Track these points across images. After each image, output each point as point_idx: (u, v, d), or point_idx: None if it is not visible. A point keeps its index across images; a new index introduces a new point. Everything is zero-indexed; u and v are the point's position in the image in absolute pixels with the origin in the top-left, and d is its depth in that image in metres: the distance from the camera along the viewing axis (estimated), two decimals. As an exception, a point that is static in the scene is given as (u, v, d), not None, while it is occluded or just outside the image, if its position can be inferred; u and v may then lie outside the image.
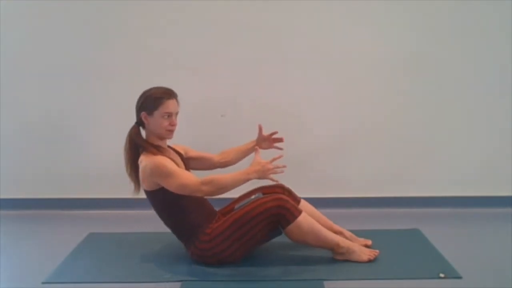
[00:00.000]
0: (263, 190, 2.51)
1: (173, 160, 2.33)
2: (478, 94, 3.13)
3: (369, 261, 2.38)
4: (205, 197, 2.31)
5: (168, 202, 2.35)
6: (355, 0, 3.01)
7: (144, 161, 2.30)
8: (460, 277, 2.24)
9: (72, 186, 3.24)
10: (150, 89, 2.37)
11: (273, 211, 2.26)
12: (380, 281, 2.22)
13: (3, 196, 3.23)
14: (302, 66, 3.09)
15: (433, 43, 3.07)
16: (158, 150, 2.34)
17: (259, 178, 2.24)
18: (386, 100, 3.15)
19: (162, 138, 2.39)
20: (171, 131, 2.37)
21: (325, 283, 2.21)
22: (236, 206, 2.42)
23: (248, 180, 2.24)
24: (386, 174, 3.21)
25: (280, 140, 2.65)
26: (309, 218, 2.32)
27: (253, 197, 2.41)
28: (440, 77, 3.11)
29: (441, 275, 2.25)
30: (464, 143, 3.18)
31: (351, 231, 2.59)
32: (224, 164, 2.67)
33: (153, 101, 2.33)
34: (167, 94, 2.35)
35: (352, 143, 3.18)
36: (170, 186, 2.25)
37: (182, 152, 2.56)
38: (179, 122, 2.40)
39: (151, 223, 3.01)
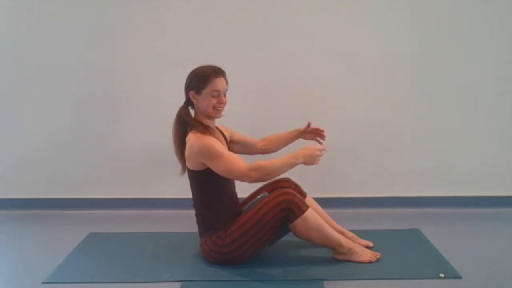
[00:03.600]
0: (270, 187, 2.50)
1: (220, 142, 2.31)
2: (478, 94, 3.13)
3: (370, 262, 2.38)
4: (252, 183, 2.23)
5: (207, 187, 2.32)
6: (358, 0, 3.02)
7: (192, 139, 2.26)
8: (460, 277, 2.24)
9: (72, 186, 3.24)
10: (198, 68, 2.34)
11: (282, 205, 2.25)
12: (380, 281, 2.22)
13: (3, 196, 3.23)
14: (302, 66, 3.09)
15: (433, 43, 3.07)
16: (207, 130, 2.30)
17: (305, 163, 2.22)
18: (386, 100, 3.14)
19: (211, 117, 2.34)
20: (219, 110, 2.33)
21: (325, 283, 2.21)
22: (244, 208, 2.42)
23: (296, 164, 2.21)
24: (386, 174, 3.21)
25: (322, 135, 2.63)
26: (315, 214, 2.31)
27: (259, 197, 2.40)
28: (440, 77, 3.11)
29: (441, 275, 2.25)
30: (464, 143, 3.18)
31: (351, 231, 2.60)
32: (265, 151, 2.64)
33: (200, 79, 2.29)
34: (215, 72, 2.31)
35: (352, 143, 3.18)
36: (218, 168, 2.21)
37: (227, 135, 2.53)
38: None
39: (151, 223, 3.03)
